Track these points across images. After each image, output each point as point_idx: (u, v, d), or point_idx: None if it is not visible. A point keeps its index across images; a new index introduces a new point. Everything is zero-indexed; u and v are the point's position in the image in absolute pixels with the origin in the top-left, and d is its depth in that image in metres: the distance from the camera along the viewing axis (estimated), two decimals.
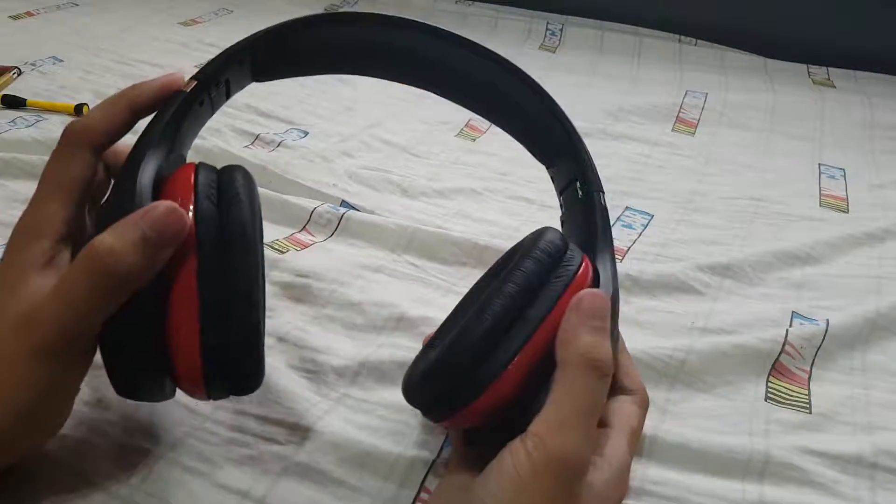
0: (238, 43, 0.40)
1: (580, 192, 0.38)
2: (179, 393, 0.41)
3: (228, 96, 0.41)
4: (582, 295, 0.31)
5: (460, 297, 0.41)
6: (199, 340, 0.30)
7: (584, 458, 0.30)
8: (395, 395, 0.38)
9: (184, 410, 0.41)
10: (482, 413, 0.31)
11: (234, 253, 0.31)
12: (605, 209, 0.38)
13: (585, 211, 0.38)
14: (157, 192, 0.32)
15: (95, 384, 0.42)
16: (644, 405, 0.37)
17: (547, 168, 0.43)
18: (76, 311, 0.30)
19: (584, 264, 0.33)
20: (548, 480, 0.28)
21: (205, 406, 0.41)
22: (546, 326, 0.31)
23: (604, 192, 0.38)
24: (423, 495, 0.37)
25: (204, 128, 0.77)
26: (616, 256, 0.59)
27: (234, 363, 0.32)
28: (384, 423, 0.41)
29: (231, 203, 0.32)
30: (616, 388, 0.37)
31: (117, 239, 0.29)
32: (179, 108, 0.36)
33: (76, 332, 0.30)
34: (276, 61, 0.42)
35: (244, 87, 0.42)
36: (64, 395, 0.33)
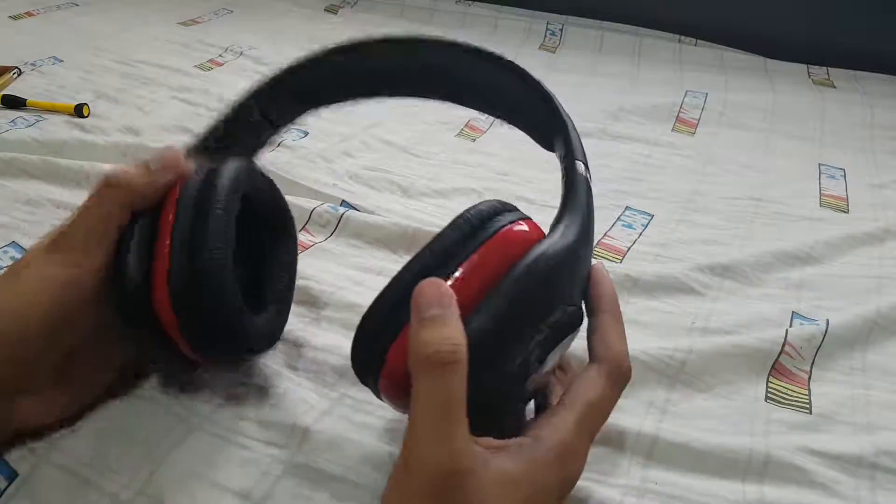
0: (278, 71, 0.45)
1: (563, 164, 0.38)
2: (181, 397, 0.41)
3: (271, 121, 0.46)
4: (415, 290, 0.30)
5: None
6: (167, 268, 0.35)
7: (453, 464, 0.28)
8: None
9: (184, 413, 0.41)
10: (401, 372, 0.31)
11: (206, 198, 0.37)
12: (582, 175, 0.37)
13: (565, 180, 0.37)
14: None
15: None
16: (612, 373, 0.34)
17: (554, 153, 0.42)
18: (92, 218, 0.36)
19: (512, 224, 0.33)
20: (420, 495, 0.28)
21: (205, 408, 0.41)
22: (456, 283, 0.31)
23: (585, 163, 0.38)
24: None
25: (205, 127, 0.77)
26: (616, 256, 0.59)
27: (198, 283, 0.36)
28: (383, 422, 0.41)
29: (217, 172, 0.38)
30: (591, 356, 0.35)
31: (127, 166, 0.37)
32: (217, 125, 0.44)
33: (92, 232, 0.36)
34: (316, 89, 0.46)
35: (293, 113, 0.47)
36: (81, 295, 0.36)
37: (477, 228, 0.33)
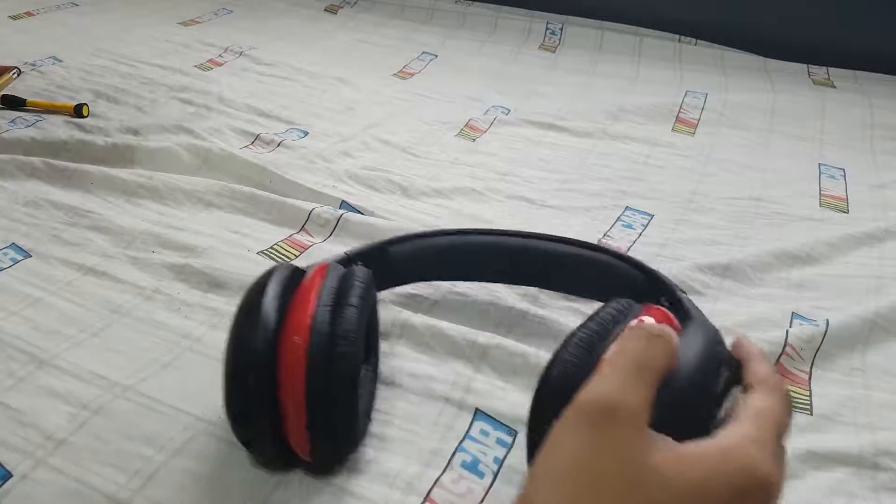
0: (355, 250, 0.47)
1: (667, 303, 0.41)
2: (181, 400, 0.41)
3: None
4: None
5: (460, 299, 0.41)
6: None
7: (615, 399, 0.27)
8: (405, 405, 0.39)
9: (187, 417, 0.41)
10: None
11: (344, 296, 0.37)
12: (687, 298, 0.41)
13: (678, 306, 0.40)
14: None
15: (96, 392, 0.42)
16: (766, 386, 0.32)
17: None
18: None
19: (648, 310, 0.35)
20: (575, 421, 0.28)
21: (206, 413, 0.41)
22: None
23: (684, 292, 0.42)
24: None
25: (204, 127, 0.77)
26: None
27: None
28: (397, 432, 0.41)
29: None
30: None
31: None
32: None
33: None
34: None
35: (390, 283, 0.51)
36: None
37: (624, 314, 0.35)
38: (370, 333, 0.44)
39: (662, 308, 0.36)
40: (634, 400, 0.28)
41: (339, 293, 0.37)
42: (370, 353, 0.44)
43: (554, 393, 0.33)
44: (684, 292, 0.42)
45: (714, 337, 0.34)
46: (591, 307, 0.44)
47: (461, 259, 0.50)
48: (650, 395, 0.28)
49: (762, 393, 0.32)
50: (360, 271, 0.40)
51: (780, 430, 0.31)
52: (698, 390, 0.31)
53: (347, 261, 0.46)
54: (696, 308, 0.40)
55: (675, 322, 0.36)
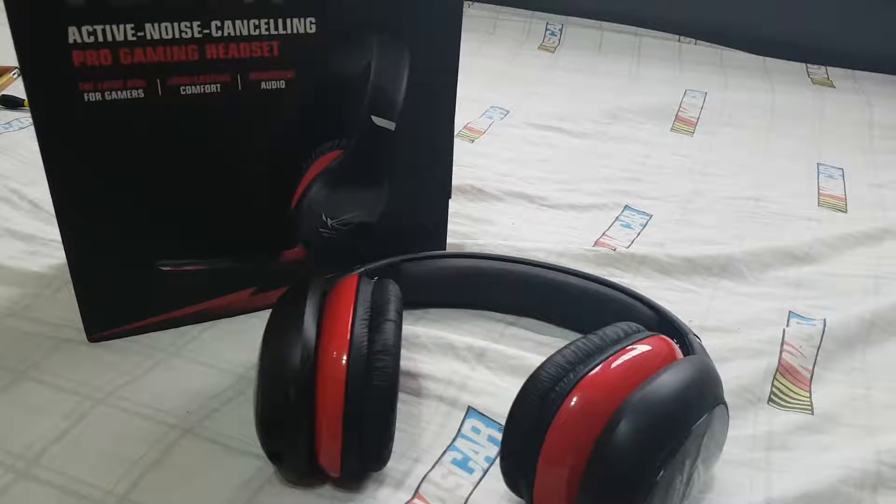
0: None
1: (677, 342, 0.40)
2: (165, 402, 0.41)
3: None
4: None
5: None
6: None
7: None
8: (399, 403, 0.39)
9: (170, 420, 0.41)
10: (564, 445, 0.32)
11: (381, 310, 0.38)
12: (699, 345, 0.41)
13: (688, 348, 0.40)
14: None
15: (85, 393, 0.42)
16: None
17: None
18: None
19: (653, 338, 0.36)
20: None
21: (192, 417, 0.41)
22: (605, 365, 0.33)
23: (696, 336, 0.41)
24: (416, 502, 0.37)
25: None
26: None
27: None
28: None
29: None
30: None
31: None
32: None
33: None
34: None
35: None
36: None
37: (626, 336, 0.36)
38: None
39: (664, 337, 0.36)
40: None
41: (374, 307, 0.38)
42: None
43: (538, 393, 0.33)
44: (697, 336, 0.41)
45: (700, 375, 0.33)
46: None
47: (475, 286, 0.50)
48: None
49: None
50: (392, 285, 0.40)
51: None
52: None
53: (365, 275, 0.44)
54: (704, 350, 0.40)
55: (678, 351, 0.36)
